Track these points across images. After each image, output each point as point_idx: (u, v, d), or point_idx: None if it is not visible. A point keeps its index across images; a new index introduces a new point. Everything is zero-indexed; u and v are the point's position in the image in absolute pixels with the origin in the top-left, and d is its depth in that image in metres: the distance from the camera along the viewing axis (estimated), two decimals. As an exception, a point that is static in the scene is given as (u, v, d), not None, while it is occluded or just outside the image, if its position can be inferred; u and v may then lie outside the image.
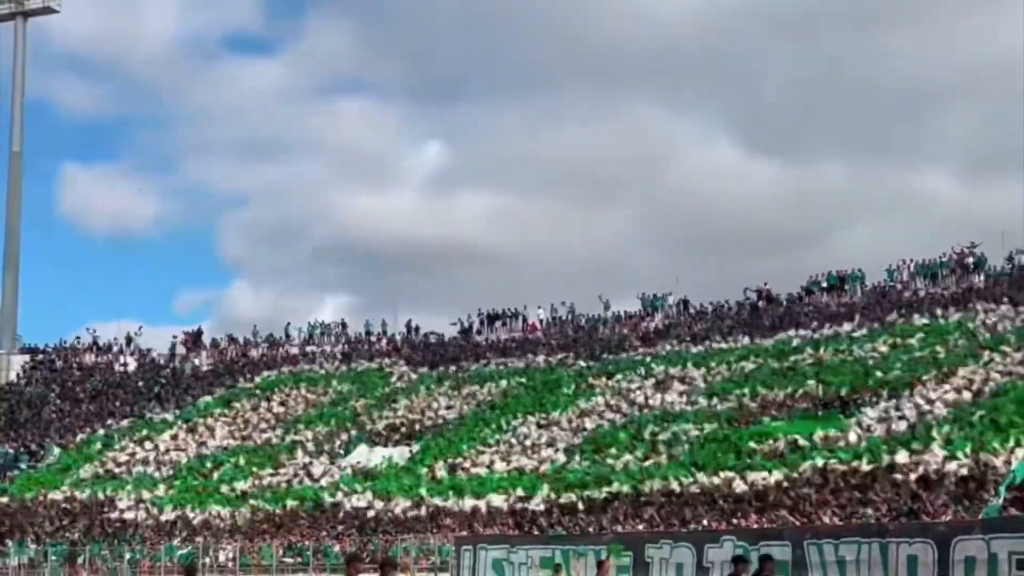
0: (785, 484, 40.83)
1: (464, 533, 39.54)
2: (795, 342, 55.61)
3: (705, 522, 38.50)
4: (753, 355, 55.27)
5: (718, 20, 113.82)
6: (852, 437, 42.89)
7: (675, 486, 43.05)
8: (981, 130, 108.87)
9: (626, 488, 43.99)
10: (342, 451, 57.39)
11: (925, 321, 53.70)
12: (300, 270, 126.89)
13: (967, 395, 43.91)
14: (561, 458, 49.60)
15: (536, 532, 40.26)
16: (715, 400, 51.03)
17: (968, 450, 38.22)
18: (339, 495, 50.61)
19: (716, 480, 42.46)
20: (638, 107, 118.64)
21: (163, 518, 51.72)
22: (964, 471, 37.68)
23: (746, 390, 50.86)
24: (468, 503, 46.89)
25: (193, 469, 57.07)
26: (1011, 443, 37.88)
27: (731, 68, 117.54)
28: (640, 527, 39.17)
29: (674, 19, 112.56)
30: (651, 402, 53.00)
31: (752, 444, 44.31)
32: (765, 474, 41.67)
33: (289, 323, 74.76)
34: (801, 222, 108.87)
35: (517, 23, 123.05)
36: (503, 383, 60.22)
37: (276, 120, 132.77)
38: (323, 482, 53.68)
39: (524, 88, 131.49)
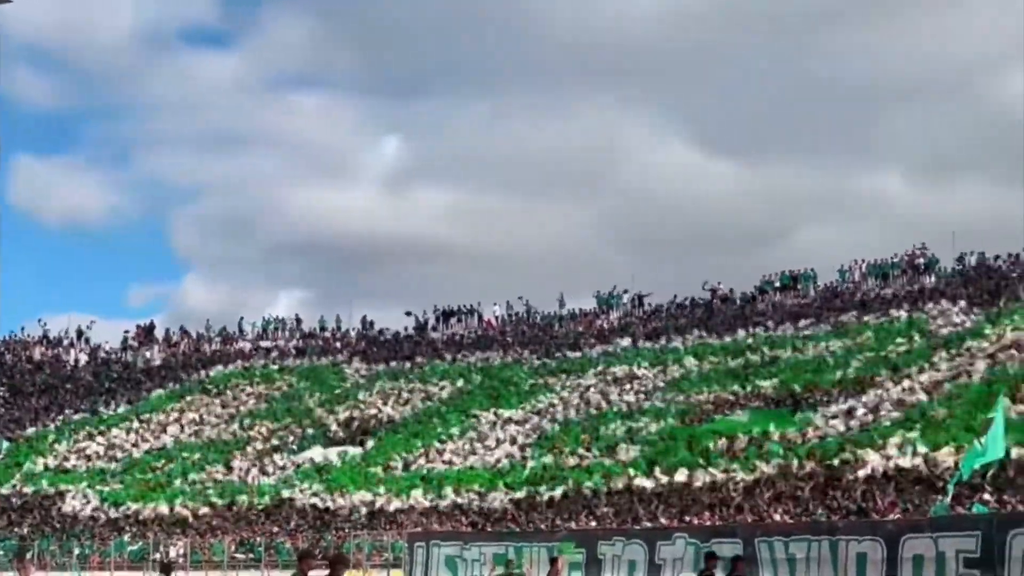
0: (739, 481, 41.00)
1: (418, 529, 39.40)
2: (749, 341, 55.94)
3: (663, 520, 38.55)
4: (708, 353, 55.54)
5: (675, 19, 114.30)
6: (805, 435, 43.14)
7: (630, 483, 43.13)
8: (933, 132, 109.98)
9: (581, 485, 44.04)
10: (296, 447, 57.07)
11: (878, 321, 54.19)
12: (255, 264, 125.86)
13: (920, 395, 44.27)
14: (516, 455, 49.60)
15: (490, 528, 40.17)
16: (670, 398, 51.22)
17: (920, 449, 38.52)
18: (292, 491, 50.33)
19: (671, 477, 42.58)
20: (596, 105, 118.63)
21: (113, 513, 51.22)
22: (916, 468, 37.98)
23: (701, 388, 51.09)
24: (423, 500, 46.76)
25: (144, 464, 56.55)
26: (963, 442, 38.16)
27: (688, 67, 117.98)
28: (593, 524, 39.19)
29: (632, 17, 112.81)
30: (607, 399, 53.12)
31: (706, 442, 44.46)
32: (720, 471, 41.81)
33: (243, 318, 74.49)
34: (756, 222, 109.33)
35: (476, 19, 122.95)
36: (459, 380, 60.16)
37: (232, 114, 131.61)
38: (276, 478, 53.38)
39: (483, 84, 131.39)
